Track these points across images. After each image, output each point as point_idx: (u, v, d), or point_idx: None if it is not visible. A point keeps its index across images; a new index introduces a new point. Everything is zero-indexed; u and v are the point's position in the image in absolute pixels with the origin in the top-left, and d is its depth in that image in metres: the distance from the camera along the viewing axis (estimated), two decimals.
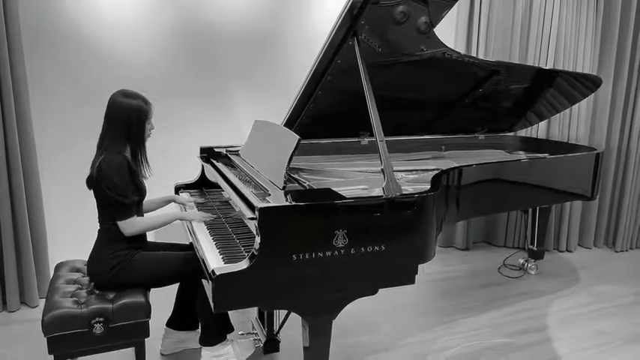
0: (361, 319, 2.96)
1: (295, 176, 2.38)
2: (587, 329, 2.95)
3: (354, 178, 2.53)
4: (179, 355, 2.54)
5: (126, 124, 2.10)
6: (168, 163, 3.33)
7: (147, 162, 2.22)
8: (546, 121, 3.99)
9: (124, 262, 2.10)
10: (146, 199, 2.33)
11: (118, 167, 2.04)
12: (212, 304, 1.71)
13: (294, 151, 2.05)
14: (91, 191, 2.13)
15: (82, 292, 2.11)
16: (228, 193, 2.24)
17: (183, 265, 2.18)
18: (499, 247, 4.33)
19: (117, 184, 2.03)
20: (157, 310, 2.18)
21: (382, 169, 2.03)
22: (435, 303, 3.26)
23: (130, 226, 2.10)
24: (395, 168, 2.30)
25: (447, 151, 3.57)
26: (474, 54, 3.89)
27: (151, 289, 2.23)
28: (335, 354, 2.43)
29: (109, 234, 2.12)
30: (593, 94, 3.59)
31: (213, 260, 1.89)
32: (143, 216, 2.26)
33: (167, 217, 2.24)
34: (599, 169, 3.34)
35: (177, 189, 2.90)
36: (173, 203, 2.57)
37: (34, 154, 2.97)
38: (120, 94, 2.11)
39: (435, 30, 2.45)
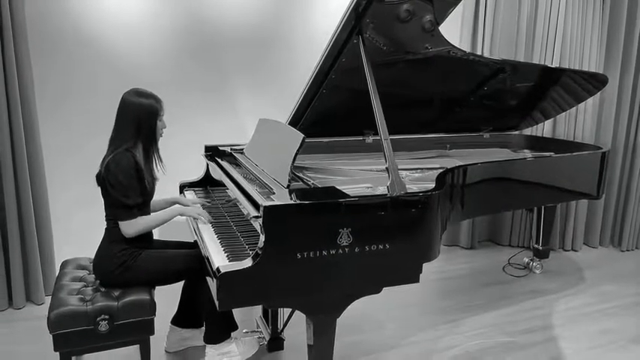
0: (365, 317, 2.96)
1: (300, 175, 2.38)
2: (592, 329, 2.93)
3: (359, 176, 2.53)
4: (184, 352, 2.55)
5: (137, 122, 2.10)
6: (173, 161, 3.32)
7: (160, 159, 2.23)
8: (552, 119, 3.97)
9: (130, 260, 2.11)
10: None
11: (125, 166, 2.05)
12: (216, 302, 1.72)
13: (298, 150, 2.05)
14: (99, 190, 2.14)
15: (88, 290, 2.12)
16: (233, 191, 2.25)
17: (188, 263, 2.19)
18: (504, 246, 4.32)
19: (121, 183, 2.03)
20: (161, 308, 2.18)
21: (387, 168, 2.03)
22: (439, 302, 3.26)
23: (130, 227, 2.09)
24: (399, 166, 2.30)
25: (451, 150, 3.56)
26: (479, 52, 3.88)
27: (156, 287, 2.24)
28: (339, 352, 2.43)
29: (115, 233, 2.12)
30: (599, 92, 3.57)
31: (218, 258, 1.89)
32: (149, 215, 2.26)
33: (166, 214, 2.24)
34: (604, 168, 3.32)
35: (182, 187, 2.91)
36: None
37: (40, 152, 2.98)
38: (132, 92, 2.13)
39: (440, 28, 2.45)
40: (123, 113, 2.12)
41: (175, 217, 2.27)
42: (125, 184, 2.04)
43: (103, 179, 2.06)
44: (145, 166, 2.15)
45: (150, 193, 2.19)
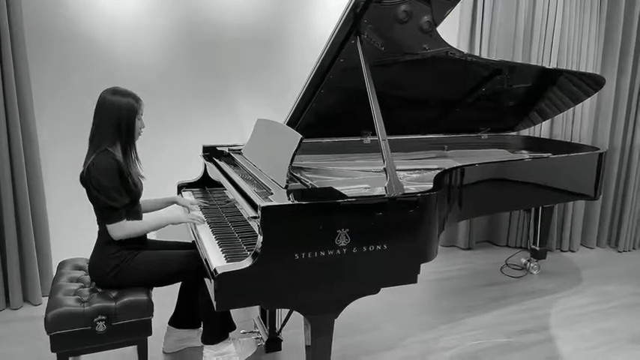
0: (363, 318, 2.96)
1: (298, 175, 2.39)
2: (589, 329, 2.94)
3: (357, 177, 2.53)
4: (181, 353, 2.55)
5: (116, 122, 2.07)
6: (171, 161, 3.34)
7: (138, 160, 2.20)
8: (549, 120, 3.98)
9: (124, 262, 2.10)
10: (148, 198, 2.33)
11: (106, 170, 2.02)
12: (214, 303, 1.72)
13: (296, 150, 2.05)
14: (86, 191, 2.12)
15: (85, 291, 2.12)
16: (231, 192, 2.24)
17: (185, 263, 2.18)
18: (501, 246, 4.32)
19: (105, 187, 2.01)
20: (159, 309, 2.18)
21: (384, 169, 2.03)
22: (437, 302, 3.26)
23: (118, 229, 2.07)
24: (397, 167, 2.30)
25: (449, 151, 3.56)
26: (477, 53, 3.89)
27: (154, 288, 2.23)
28: (337, 353, 2.44)
29: (108, 235, 2.11)
30: (596, 93, 3.58)
31: (216, 259, 1.89)
32: (142, 217, 2.25)
33: (158, 221, 2.20)
34: (602, 168, 3.33)
35: (180, 188, 2.91)
36: (175, 205, 2.56)
37: (36, 153, 2.98)
38: (109, 91, 2.10)
39: (437, 29, 2.45)
40: (101, 112, 2.08)
41: (168, 225, 2.23)
42: (108, 186, 2.01)
43: (86, 183, 2.05)
44: (126, 165, 2.11)
45: (137, 192, 2.16)
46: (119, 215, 2.06)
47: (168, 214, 2.36)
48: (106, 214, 2.06)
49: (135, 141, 2.17)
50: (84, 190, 2.11)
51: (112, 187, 2.02)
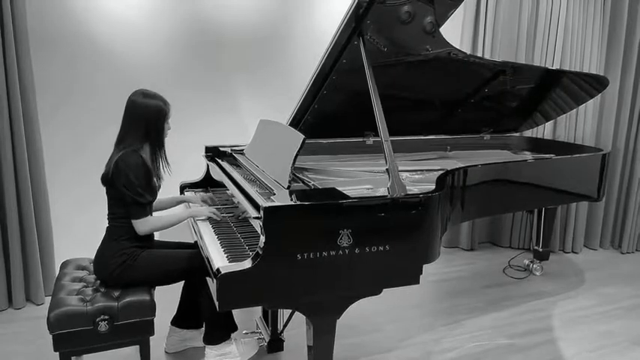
0: (365, 319, 2.96)
1: (300, 176, 2.38)
2: (592, 331, 2.93)
3: (359, 177, 2.53)
4: (183, 353, 2.55)
5: (146, 123, 2.12)
6: (173, 162, 3.32)
7: (166, 161, 2.25)
8: (552, 121, 3.97)
9: (130, 259, 2.11)
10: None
11: (135, 166, 2.06)
12: (216, 303, 1.72)
13: (299, 151, 2.05)
14: (99, 190, 2.14)
15: (88, 290, 2.12)
16: (233, 192, 2.25)
17: (188, 263, 2.19)
18: (504, 247, 4.32)
19: (134, 183, 2.05)
20: (161, 309, 2.18)
21: (387, 169, 2.03)
22: (439, 303, 3.26)
23: (144, 224, 2.11)
24: (400, 168, 2.30)
25: (452, 151, 3.56)
26: (479, 54, 3.88)
27: (156, 288, 2.24)
28: (339, 353, 2.44)
29: (117, 232, 2.13)
30: (599, 94, 3.57)
31: (218, 259, 1.90)
32: (152, 215, 2.27)
33: (179, 216, 2.26)
34: (605, 170, 3.32)
35: (182, 188, 2.91)
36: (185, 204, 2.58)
37: (40, 152, 2.98)
38: (139, 94, 2.13)
39: (440, 30, 2.45)
40: (131, 115, 2.12)
41: (188, 218, 2.30)
42: (137, 183, 2.06)
43: (112, 178, 2.07)
44: (153, 166, 2.16)
45: (155, 194, 2.20)
46: (144, 211, 2.10)
47: (188, 208, 2.40)
48: (133, 209, 2.09)
49: (164, 142, 2.20)
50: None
51: (139, 184, 2.06)
